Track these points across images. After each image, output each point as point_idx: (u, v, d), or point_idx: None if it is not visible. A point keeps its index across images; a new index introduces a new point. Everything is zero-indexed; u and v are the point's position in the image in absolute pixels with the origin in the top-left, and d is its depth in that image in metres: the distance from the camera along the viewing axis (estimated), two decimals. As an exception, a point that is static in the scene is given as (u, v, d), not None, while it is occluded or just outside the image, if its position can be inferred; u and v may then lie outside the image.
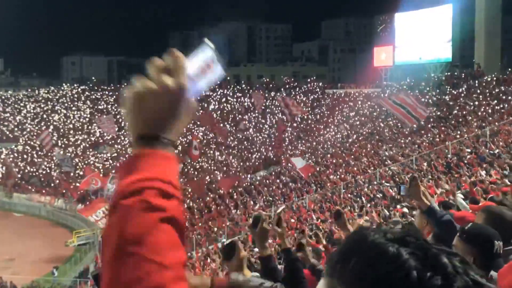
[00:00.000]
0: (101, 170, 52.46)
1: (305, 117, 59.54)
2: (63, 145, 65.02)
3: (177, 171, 1.23)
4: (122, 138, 66.92)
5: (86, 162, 59.72)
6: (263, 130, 59.77)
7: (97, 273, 2.66)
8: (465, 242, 3.56)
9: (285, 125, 57.63)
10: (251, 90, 71.65)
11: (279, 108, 62.71)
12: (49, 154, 63.31)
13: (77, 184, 50.95)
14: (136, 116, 1.24)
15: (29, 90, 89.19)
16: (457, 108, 41.81)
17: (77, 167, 59.58)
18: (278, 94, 69.54)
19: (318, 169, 38.94)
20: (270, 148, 52.89)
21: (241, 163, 51.95)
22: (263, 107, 62.79)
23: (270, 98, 69.26)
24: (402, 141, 38.75)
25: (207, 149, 56.32)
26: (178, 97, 1.24)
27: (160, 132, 1.22)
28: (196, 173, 51.12)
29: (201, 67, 1.30)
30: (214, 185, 44.84)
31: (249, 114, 63.16)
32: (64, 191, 53.73)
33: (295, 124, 58.95)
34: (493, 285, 1.05)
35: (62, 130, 71.88)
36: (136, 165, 1.18)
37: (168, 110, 1.24)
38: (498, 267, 3.44)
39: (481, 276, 1.03)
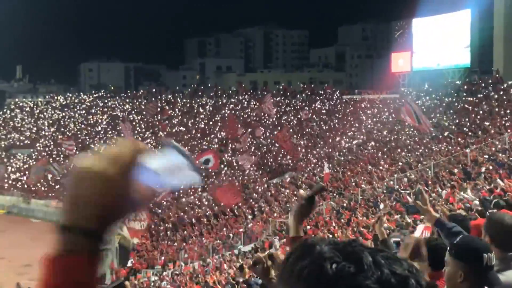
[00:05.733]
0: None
1: (320, 123, 59.21)
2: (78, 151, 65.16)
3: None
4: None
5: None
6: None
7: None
8: (454, 258, 3.48)
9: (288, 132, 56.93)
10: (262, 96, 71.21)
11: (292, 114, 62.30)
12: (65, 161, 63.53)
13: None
14: (69, 199, 1.19)
15: (47, 96, 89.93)
16: (475, 114, 41.38)
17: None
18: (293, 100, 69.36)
19: (335, 176, 38.69)
20: (286, 155, 52.51)
21: (259, 170, 51.76)
22: (275, 113, 62.27)
23: (286, 105, 69.02)
24: (420, 148, 38.40)
25: (224, 155, 56.25)
26: (116, 183, 1.15)
27: (82, 222, 1.19)
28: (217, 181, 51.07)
29: (169, 166, 1.20)
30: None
31: (264, 121, 62.90)
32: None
33: (311, 130, 58.66)
34: (408, 273, 1.08)
35: (79, 137, 72.24)
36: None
37: (100, 197, 1.16)
38: (492, 281, 3.38)
39: (410, 271, 1.09)
